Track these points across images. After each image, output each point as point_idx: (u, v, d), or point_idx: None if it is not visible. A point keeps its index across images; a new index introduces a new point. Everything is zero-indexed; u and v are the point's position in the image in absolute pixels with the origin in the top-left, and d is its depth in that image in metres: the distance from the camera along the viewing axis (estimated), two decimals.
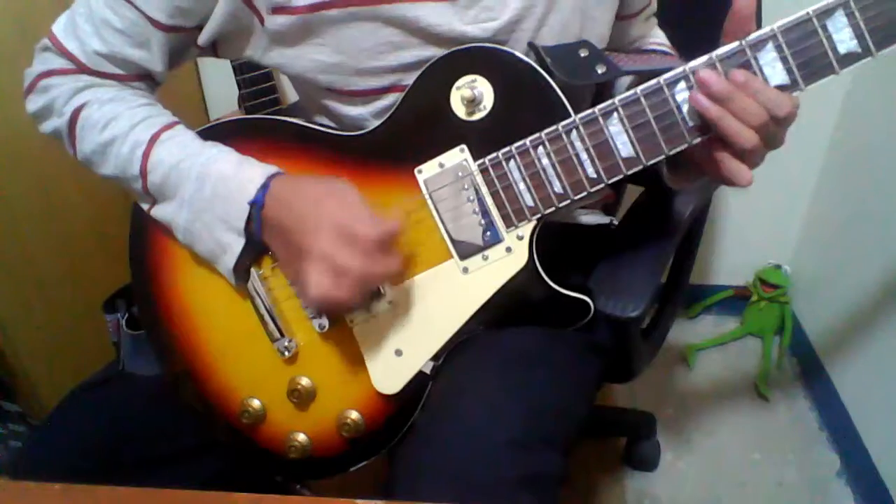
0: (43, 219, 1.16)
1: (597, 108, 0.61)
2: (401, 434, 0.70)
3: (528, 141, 0.63)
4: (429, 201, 0.66)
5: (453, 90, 0.64)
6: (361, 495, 0.46)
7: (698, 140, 0.60)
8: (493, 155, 0.64)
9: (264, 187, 0.64)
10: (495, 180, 0.64)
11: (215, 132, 0.71)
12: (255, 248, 0.68)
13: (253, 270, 0.69)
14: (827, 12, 0.55)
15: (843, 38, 0.55)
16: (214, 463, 0.77)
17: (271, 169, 0.66)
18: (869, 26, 0.54)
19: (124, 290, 0.84)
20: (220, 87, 1.47)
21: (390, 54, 0.66)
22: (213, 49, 0.71)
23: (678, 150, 0.61)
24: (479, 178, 0.65)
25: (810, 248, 1.56)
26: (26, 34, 1.02)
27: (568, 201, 0.64)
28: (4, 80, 1.02)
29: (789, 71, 0.57)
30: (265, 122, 0.72)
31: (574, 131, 0.62)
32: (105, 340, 0.85)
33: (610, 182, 0.63)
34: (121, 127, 0.67)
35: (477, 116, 0.64)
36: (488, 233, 0.66)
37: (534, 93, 0.63)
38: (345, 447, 0.71)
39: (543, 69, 0.63)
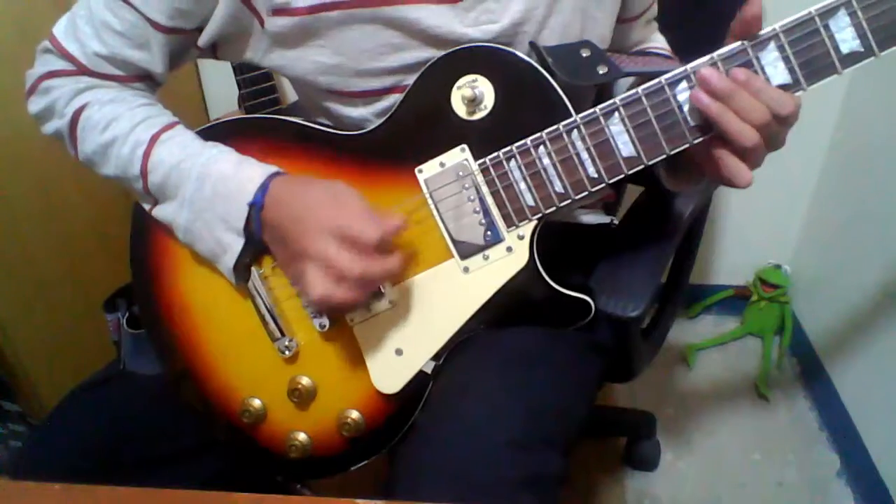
0: (43, 219, 1.16)
1: (598, 108, 0.61)
2: (401, 433, 0.70)
3: (529, 140, 0.63)
4: (429, 201, 0.66)
5: (454, 90, 0.64)
6: (362, 495, 0.45)
7: (699, 140, 0.60)
8: (494, 154, 0.64)
9: (264, 187, 0.64)
10: (496, 180, 0.64)
11: (215, 132, 0.71)
12: (256, 248, 0.68)
13: (253, 270, 0.69)
14: (829, 12, 0.55)
15: (846, 37, 0.55)
16: (214, 463, 0.77)
17: (271, 168, 0.66)
18: (871, 26, 0.54)
19: (124, 290, 0.84)
20: (220, 87, 1.47)
21: (391, 55, 0.66)
22: (213, 51, 0.71)
23: (679, 149, 0.61)
24: (480, 178, 0.65)
25: (810, 248, 1.56)
26: (26, 36, 1.02)
27: (569, 201, 0.64)
28: (4, 82, 1.02)
29: (791, 71, 0.57)
30: (265, 122, 0.72)
31: (575, 131, 0.62)
32: (105, 340, 0.85)
33: (611, 182, 0.63)
34: (121, 127, 0.67)
35: (478, 116, 0.64)
36: (489, 232, 0.66)
37: (535, 92, 0.63)
38: (345, 446, 0.71)
39: (545, 69, 0.63)
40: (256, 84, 1.32)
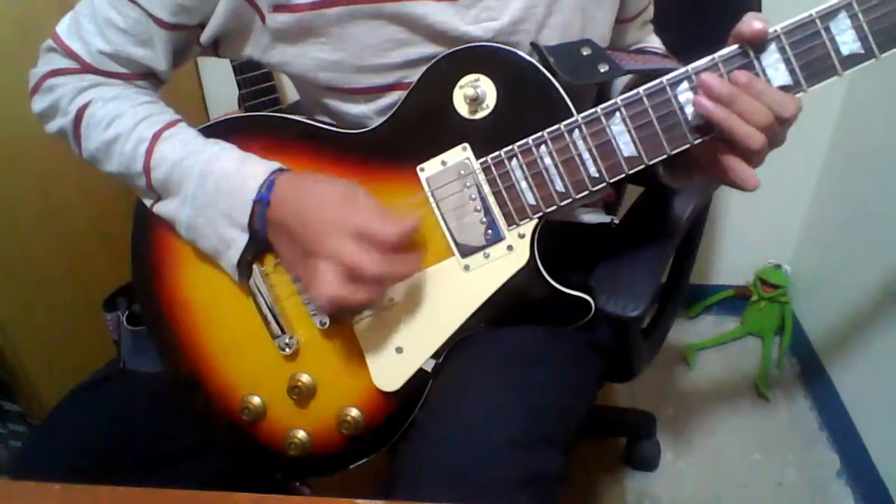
0: (43, 219, 1.16)
1: (599, 108, 0.61)
2: (401, 431, 0.70)
3: (530, 140, 0.63)
4: (431, 199, 0.66)
5: (456, 89, 0.64)
6: (362, 495, 0.45)
7: (700, 140, 0.60)
8: (496, 153, 0.64)
9: (268, 184, 0.64)
10: (497, 179, 0.65)
11: (218, 129, 0.71)
12: (259, 245, 0.68)
13: (255, 267, 0.69)
14: (830, 14, 0.55)
15: (846, 39, 0.55)
16: (214, 463, 0.77)
17: (274, 165, 0.66)
18: (872, 28, 0.54)
19: (124, 289, 0.84)
20: (220, 86, 1.47)
21: (395, 51, 0.66)
22: (214, 48, 0.71)
23: (680, 149, 0.61)
24: (482, 177, 0.65)
25: (810, 248, 1.56)
26: (27, 35, 1.02)
27: (570, 200, 0.64)
28: (5, 81, 1.02)
29: (792, 72, 0.57)
30: (267, 120, 0.72)
31: (576, 130, 0.62)
32: (105, 340, 0.85)
33: (612, 181, 0.63)
34: (124, 124, 0.68)
35: (480, 115, 0.64)
36: (490, 231, 0.66)
37: (536, 92, 0.63)
38: (345, 444, 0.71)
39: (546, 68, 0.63)
40: (256, 84, 1.32)
